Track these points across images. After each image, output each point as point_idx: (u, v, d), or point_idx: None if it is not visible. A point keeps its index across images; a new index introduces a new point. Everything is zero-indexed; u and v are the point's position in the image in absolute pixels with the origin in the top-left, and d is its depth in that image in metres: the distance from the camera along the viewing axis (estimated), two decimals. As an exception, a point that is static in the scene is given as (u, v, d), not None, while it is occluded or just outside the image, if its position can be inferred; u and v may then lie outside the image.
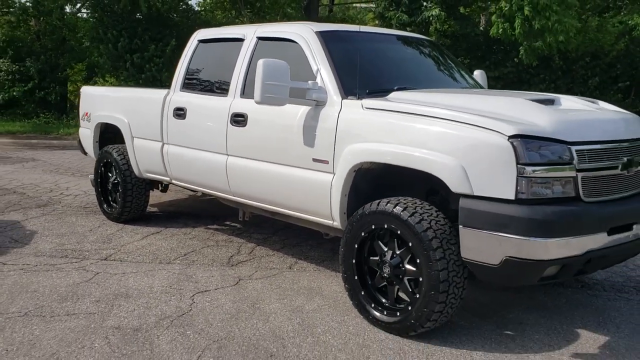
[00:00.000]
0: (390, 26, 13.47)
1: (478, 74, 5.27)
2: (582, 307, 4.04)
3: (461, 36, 14.90)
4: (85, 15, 18.46)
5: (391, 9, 13.49)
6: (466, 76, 4.86)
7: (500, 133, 3.04)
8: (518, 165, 2.98)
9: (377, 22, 14.65)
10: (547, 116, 3.19)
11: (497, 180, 3.04)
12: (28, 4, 17.65)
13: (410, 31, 14.29)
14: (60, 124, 15.68)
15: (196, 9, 19.03)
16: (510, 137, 3.01)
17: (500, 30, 11.56)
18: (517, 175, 2.99)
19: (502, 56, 14.40)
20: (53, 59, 17.33)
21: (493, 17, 11.97)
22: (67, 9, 18.50)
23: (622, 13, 15.62)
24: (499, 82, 14.46)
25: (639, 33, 14.95)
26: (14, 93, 16.84)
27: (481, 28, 15.91)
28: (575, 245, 3.04)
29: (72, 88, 19.99)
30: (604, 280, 4.59)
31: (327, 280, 4.43)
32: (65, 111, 17.72)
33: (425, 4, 12.87)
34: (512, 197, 3.01)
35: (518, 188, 2.99)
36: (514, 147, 2.99)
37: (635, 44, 14.56)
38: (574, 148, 3.09)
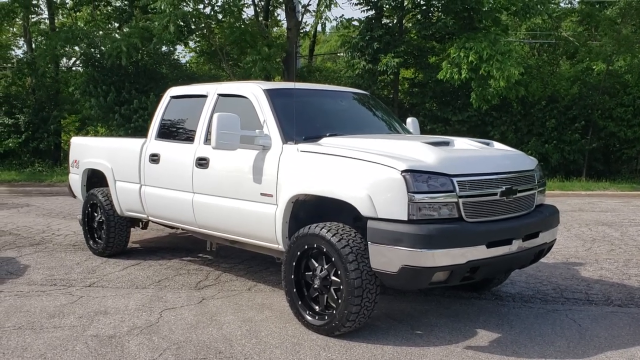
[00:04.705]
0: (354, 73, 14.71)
1: (410, 121, 6.17)
2: (489, 313, 4.81)
3: (428, 83, 16.05)
4: (79, 68, 19.55)
5: (357, 59, 14.73)
6: (392, 123, 5.77)
7: (395, 169, 3.89)
8: (409, 193, 3.82)
9: (346, 70, 15.89)
10: (434, 155, 4.06)
11: (394, 205, 3.87)
12: (25, 59, 18.76)
13: (381, 78, 15.52)
14: (53, 172, 16.52)
15: (183, 62, 20.24)
16: (403, 171, 3.86)
17: (448, 75, 12.82)
18: (408, 201, 3.82)
19: (465, 101, 15.51)
20: (46, 111, 18.33)
21: (443, 63, 13.24)
22: (62, 64, 19.65)
23: (586, 59, 16.81)
24: (464, 125, 15.53)
25: (592, 78, 16.14)
26: (10, 144, 17.77)
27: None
28: (458, 255, 3.86)
29: (66, 138, 20.89)
30: (516, 294, 5.37)
31: (278, 298, 5.18)
32: (60, 159, 18.60)
33: (383, 54, 14.09)
34: (405, 218, 3.83)
35: (409, 211, 3.82)
36: (405, 179, 3.84)
37: (588, 88, 15.74)
38: (455, 179, 3.94)
